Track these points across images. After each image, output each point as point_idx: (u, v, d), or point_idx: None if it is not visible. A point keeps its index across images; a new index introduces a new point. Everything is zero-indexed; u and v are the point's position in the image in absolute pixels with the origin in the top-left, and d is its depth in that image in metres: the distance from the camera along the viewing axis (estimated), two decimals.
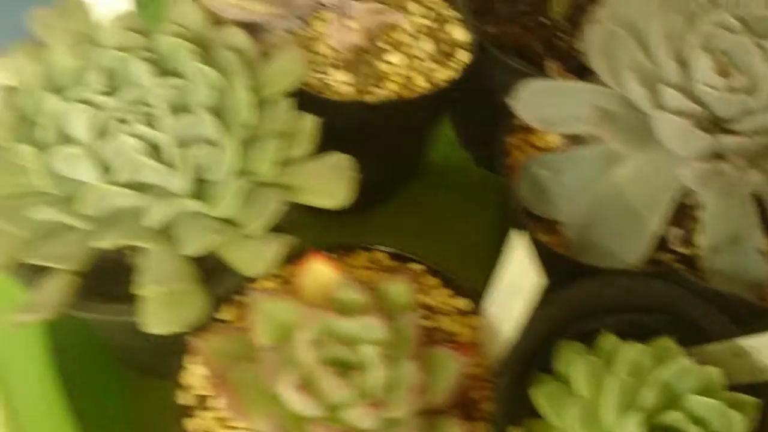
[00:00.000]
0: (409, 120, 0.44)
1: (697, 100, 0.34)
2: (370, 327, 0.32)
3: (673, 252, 0.38)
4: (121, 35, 0.36)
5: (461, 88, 0.43)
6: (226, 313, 0.36)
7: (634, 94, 0.35)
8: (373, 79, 0.43)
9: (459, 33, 0.45)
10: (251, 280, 0.35)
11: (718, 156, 0.34)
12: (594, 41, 0.36)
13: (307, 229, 0.36)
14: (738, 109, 0.34)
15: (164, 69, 0.36)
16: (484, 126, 0.50)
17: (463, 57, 0.44)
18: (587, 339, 0.35)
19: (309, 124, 0.37)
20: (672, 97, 0.34)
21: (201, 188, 0.34)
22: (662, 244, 0.39)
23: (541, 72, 0.46)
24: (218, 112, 0.35)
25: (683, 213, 0.38)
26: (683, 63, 0.35)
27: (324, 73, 0.42)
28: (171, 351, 0.34)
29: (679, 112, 0.34)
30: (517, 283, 0.32)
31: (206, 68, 0.35)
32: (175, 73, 0.36)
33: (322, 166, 0.36)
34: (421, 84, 0.43)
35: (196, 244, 0.33)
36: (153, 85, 0.35)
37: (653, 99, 0.35)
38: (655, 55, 0.35)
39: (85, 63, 0.35)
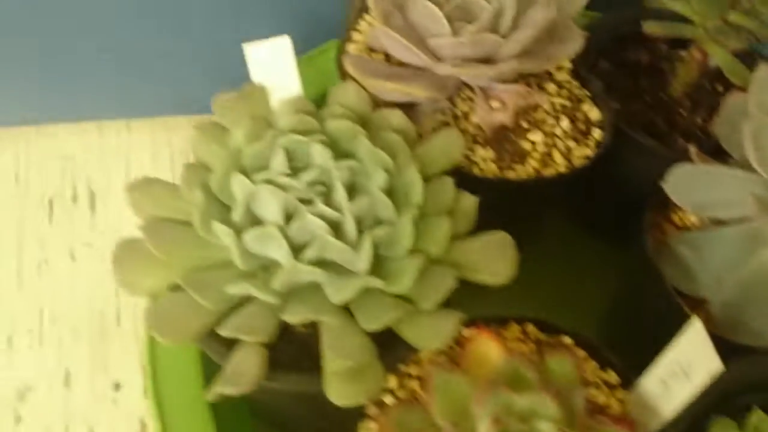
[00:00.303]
0: (548, 194, 0.46)
1: None
2: (544, 403, 0.34)
3: None
4: (296, 119, 0.39)
5: (596, 165, 0.45)
6: (391, 382, 0.38)
7: None
8: (515, 156, 0.45)
9: (593, 112, 0.47)
10: (416, 351, 0.38)
11: None
12: (747, 133, 0.38)
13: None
14: None
15: (338, 150, 0.38)
16: (606, 200, 0.52)
17: (597, 135, 0.46)
18: (738, 416, 0.37)
19: (469, 202, 0.39)
20: None
21: (379, 266, 0.37)
22: None
23: (668, 149, 0.48)
24: (391, 192, 0.38)
25: None
26: None
27: (469, 149, 0.44)
28: (344, 419, 0.36)
29: None
30: (687, 364, 0.33)
31: (378, 150, 0.38)
32: (348, 155, 0.38)
33: (487, 243, 0.38)
34: (560, 161, 0.45)
35: (378, 321, 0.35)
36: (331, 167, 0.37)
37: None
38: None
39: (267, 145, 0.38)
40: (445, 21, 0.43)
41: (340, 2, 0.54)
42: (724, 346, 0.38)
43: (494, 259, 0.38)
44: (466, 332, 0.38)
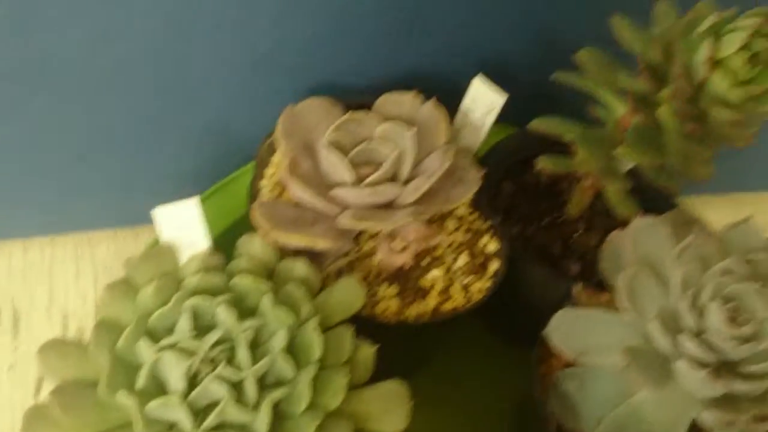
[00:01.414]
0: (448, 328, 0.48)
1: (711, 348, 0.39)
2: None
3: None
4: (203, 278, 0.41)
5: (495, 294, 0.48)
6: None
7: (657, 341, 0.40)
8: (417, 292, 0.47)
9: (491, 244, 0.50)
10: None
11: (732, 398, 0.39)
12: (621, 282, 0.41)
13: None
14: (746, 355, 0.39)
15: (243, 307, 0.41)
16: (513, 317, 0.55)
17: (496, 265, 0.49)
18: None
19: (367, 352, 0.42)
20: (689, 345, 0.39)
21: (278, 423, 0.39)
22: None
23: (560, 272, 0.51)
24: (291, 348, 0.40)
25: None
26: (699, 311, 0.40)
27: (374, 287, 0.47)
28: None
29: (694, 360, 0.39)
30: None
31: (280, 309, 0.40)
32: (251, 313, 0.40)
33: (382, 392, 0.41)
34: (459, 296, 0.48)
35: None
36: (234, 328, 0.39)
37: (673, 344, 0.40)
38: (675, 303, 0.41)
39: (174, 308, 0.40)
40: (348, 170, 0.45)
41: (256, 124, 0.56)
42: None
43: (389, 409, 0.40)
44: None
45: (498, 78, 0.59)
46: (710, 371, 0.39)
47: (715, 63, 0.41)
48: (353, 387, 0.41)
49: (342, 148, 0.47)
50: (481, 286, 0.48)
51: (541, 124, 0.49)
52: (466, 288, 0.48)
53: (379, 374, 0.42)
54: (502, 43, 0.57)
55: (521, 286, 0.51)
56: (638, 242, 0.44)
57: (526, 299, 0.52)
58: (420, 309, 0.47)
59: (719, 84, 0.41)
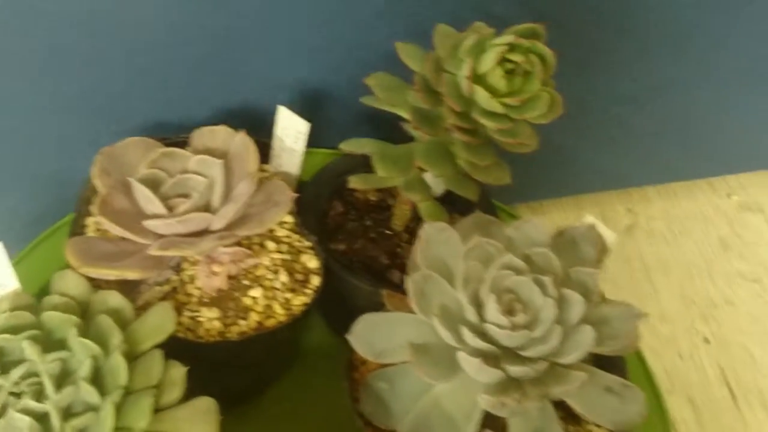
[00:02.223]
0: (272, 342, 0.51)
1: (488, 339, 0.43)
2: None
3: None
4: (9, 317, 0.43)
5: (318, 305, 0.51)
6: None
7: (442, 334, 0.43)
8: (239, 312, 0.50)
9: (312, 261, 0.53)
10: None
11: (512, 380, 0.43)
12: (411, 284, 0.45)
13: None
14: (521, 342, 0.43)
15: (50, 342, 0.42)
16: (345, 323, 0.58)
17: (316, 281, 0.52)
18: None
19: (178, 372, 0.44)
20: (468, 336, 0.42)
21: None
22: None
23: (384, 281, 0.54)
24: (98, 377, 0.42)
25: (495, 416, 0.46)
26: (478, 305, 0.44)
27: (196, 311, 0.49)
28: None
29: (474, 350, 0.42)
30: None
31: (87, 342, 0.42)
32: (59, 346, 0.42)
33: (190, 411, 0.43)
34: (280, 311, 0.50)
35: None
36: (40, 361, 0.41)
37: (456, 337, 0.43)
38: (458, 299, 0.44)
39: None
40: (159, 203, 0.48)
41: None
42: None
43: (198, 425, 0.43)
44: None
45: (325, 105, 0.63)
46: (484, 359, 0.42)
47: (478, 78, 0.45)
48: (165, 407, 0.44)
49: (156, 183, 0.50)
50: (302, 301, 0.51)
51: (349, 145, 0.53)
52: (287, 303, 0.51)
53: (212, 393, 0.44)
54: (322, 72, 0.61)
55: (352, 297, 0.54)
56: (429, 246, 0.47)
57: (357, 308, 0.55)
58: (243, 327, 0.49)
59: (481, 97, 0.45)
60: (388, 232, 0.57)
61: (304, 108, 0.56)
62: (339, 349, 0.61)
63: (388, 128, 0.56)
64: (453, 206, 0.57)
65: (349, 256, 0.55)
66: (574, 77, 0.66)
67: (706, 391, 0.67)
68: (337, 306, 0.55)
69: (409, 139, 0.53)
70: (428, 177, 0.53)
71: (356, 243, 0.56)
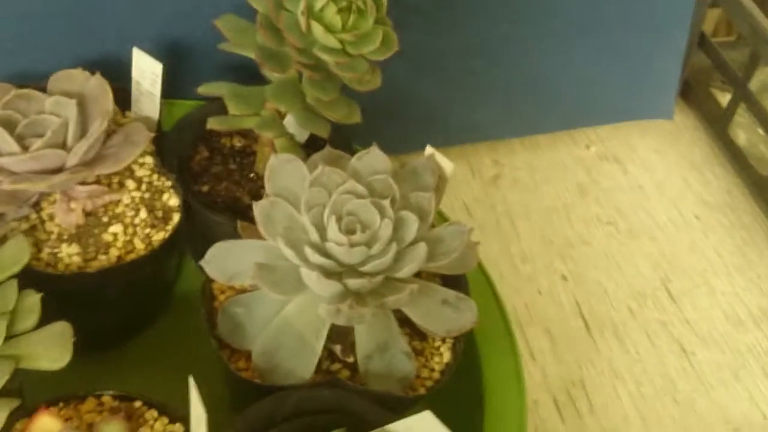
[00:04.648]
0: (134, 277, 0.53)
1: (329, 256, 0.46)
2: None
3: (342, 362, 0.50)
4: None
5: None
6: None
7: (285, 253, 0.46)
8: (99, 248, 0.52)
9: (173, 199, 0.55)
10: None
11: (353, 293, 0.46)
12: (257, 209, 0.48)
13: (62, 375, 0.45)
14: (360, 258, 0.46)
15: None
16: None
17: (176, 218, 0.54)
18: None
19: (33, 300, 0.46)
20: (310, 254, 0.46)
21: None
22: (333, 357, 0.50)
23: (246, 220, 0.57)
24: None
25: (344, 331, 0.49)
26: (320, 227, 0.47)
27: (55, 248, 0.51)
28: None
29: (317, 266, 0.46)
30: (198, 415, 0.42)
31: None
32: None
33: (45, 334, 0.45)
34: (141, 246, 0.52)
35: None
36: None
37: (300, 256, 0.46)
38: (302, 222, 0.47)
39: None
40: (12, 141, 0.49)
41: None
42: (260, 389, 0.48)
43: (53, 347, 0.44)
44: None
45: (187, 56, 0.65)
46: (324, 273, 0.45)
47: (313, 14, 0.48)
48: (20, 333, 0.45)
49: (11, 124, 0.51)
50: (161, 237, 0.53)
51: (205, 88, 0.55)
52: (147, 239, 0.53)
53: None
54: (181, 22, 0.63)
55: (216, 235, 0.57)
56: (276, 176, 0.50)
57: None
58: (103, 263, 0.51)
59: (318, 32, 0.48)
60: (252, 175, 0.60)
61: (166, 60, 0.58)
62: None
63: (252, 78, 0.58)
64: (317, 151, 0.60)
65: (212, 196, 0.58)
66: (427, 29, 0.71)
67: (562, 323, 0.73)
68: (205, 248, 0.57)
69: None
70: (289, 122, 0.56)
71: (220, 185, 0.59)
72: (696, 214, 0.82)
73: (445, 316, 0.49)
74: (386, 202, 0.48)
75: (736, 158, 0.85)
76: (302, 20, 0.48)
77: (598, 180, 0.84)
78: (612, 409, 0.67)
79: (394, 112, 0.74)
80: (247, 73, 0.60)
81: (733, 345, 0.71)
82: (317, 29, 0.47)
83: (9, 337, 0.44)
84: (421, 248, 0.47)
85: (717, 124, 0.88)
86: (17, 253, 0.47)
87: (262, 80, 0.57)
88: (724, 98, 0.88)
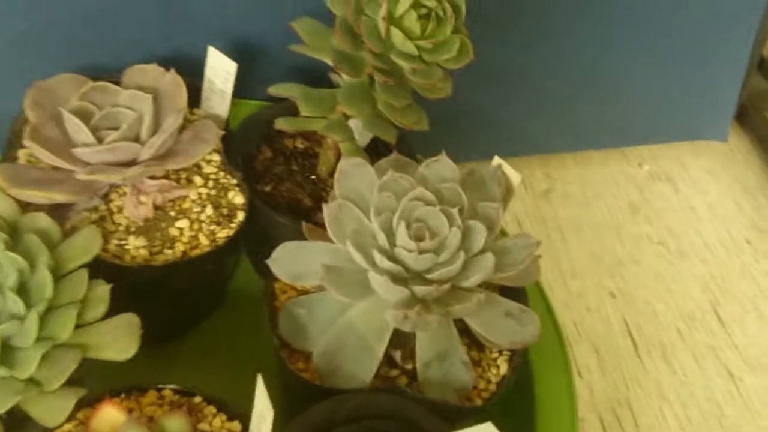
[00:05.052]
0: (197, 272, 0.53)
1: (397, 261, 0.46)
2: None
3: (401, 368, 0.50)
4: None
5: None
6: None
7: (353, 256, 0.46)
8: (165, 242, 0.52)
9: (238, 198, 0.55)
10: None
11: (419, 299, 0.46)
12: (327, 212, 0.48)
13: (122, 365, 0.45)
14: (428, 265, 0.46)
15: None
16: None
17: (241, 217, 0.55)
18: None
19: (102, 290, 0.46)
20: (379, 259, 0.46)
21: (10, 355, 0.43)
22: (391, 362, 0.50)
23: (307, 222, 0.57)
24: (23, 290, 0.44)
25: (405, 337, 0.49)
26: (390, 232, 0.47)
27: (123, 240, 0.51)
28: None
29: (385, 271, 0.46)
30: (261, 413, 0.42)
31: (14, 255, 0.44)
32: None
33: (113, 325, 0.45)
34: (205, 243, 0.53)
35: (1, 405, 0.41)
36: None
37: (368, 260, 0.46)
38: (371, 226, 0.47)
39: None
40: (88, 132, 0.50)
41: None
42: (319, 391, 0.48)
43: (120, 338, 0.45)
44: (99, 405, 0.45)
45: (258, 57, 0.66)
46: (392, 278, 0.45)
47: (394, 20, 0.48)
48: (89, 322, 0.46)
49: (87, 115, 0.51)
50: (226, 234, 0.54)
51: (276, 89, 0.55)
52: (212, 236, 0.53)
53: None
54: (255, 22, 0.63)
55: (277, 237, 0.57)
56: (345, 180, 0.50)
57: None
58: (168, 257, 0.52)
59: (397, 38, 0.48)
60: (313, 177, 0.60)
61: (236, 59, 0.58)
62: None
63: (319, 82, 0.59)
64: (378, 157, 0.60)
65: (275, 197, 0.58)
66: (491, 39, 0.71)
67: (610, 342, 0.72)
68: (262, 248, 0.57)
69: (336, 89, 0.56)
70: (353, 125, 0.56)
71: (282, 185, 0.59)
72: (747, 239, 0.81)
73: (508, 329, 0.49)
74: (455, 211, 0.48)
75: None
76: (382, 26, 0.48)
77: (649, 199, 0.83)
78: (657, 431, 0.66)
79: (450, 120, 0.74)
80: (312, 76, 0.60)
81: None
82: (397, 35, 0.48)
83: (78, 326, 0.45)
84: (489, 258, 0.47)
85: None
86: (88, 243, 0.48)
87: (326, 83, 0.57)
88: None
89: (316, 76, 0.59)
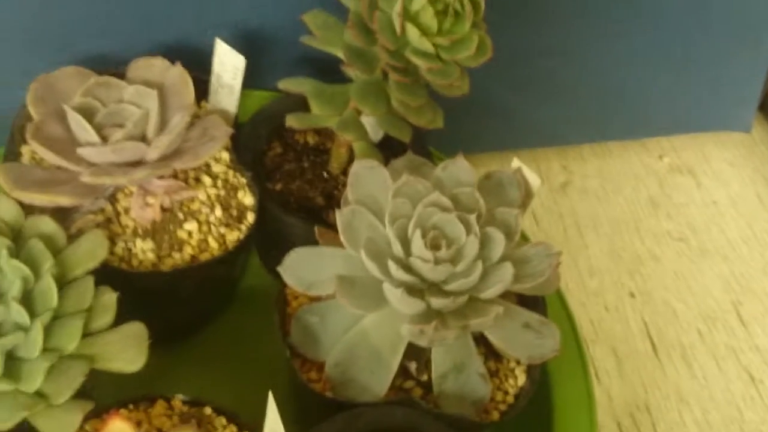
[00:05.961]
0: (206, 276, 0.52)
1: (413, 272, 0.44)
2: None
3: (416, 380, 0.49)
4: None
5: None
6: None
7: (367, 266, 0.44)
8: (173, 245, 0.51)
9: (247, 198, 0.54)
10: None
11: (435, 312, 0.44)
12: (339, 218, 0.46)
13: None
14: (444, 276, 0.44)
15: None
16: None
17: (251, 218, 0.53)
18: None
19: (109, 298, 0.45)
20: (394, 269, 0.44)
21: (15, 367, 0.41)
22: (406, 373, 0.49)
23: (319, 222, 0.55)
24: (27, 299, 0.42)
25: (420, 348, 0.48)
26: (405, 240, 0.45)
27: (130, 242, 0.50)
28: None
29: (400, 282, 0.44)
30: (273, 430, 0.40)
31: (17, 263, 0.42)
32: None
33: (121, 335, 0.44)
34: (215, 246, 0.51)
35: (8, 420, 0.39)
36: None
37: (382, 270, 0.44)
38: (385, 234, 0.45)
39: None
40: (92, 131, 0.48)
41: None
42: (332, 403, 0.46)
43: (128, 349, 0.43)
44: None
45: (266, 47, 0.63)
46: (408, 290, 0.44)
47: (409, 16, 0.46)
48: (95, 331, 0.44)
49: (91, 112, 0.50)
50: (236, 237, 0.52)
51: (287, 83, 0.53)
52: (222, 238, 0.52)
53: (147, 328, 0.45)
54: (263, 12, 0.61)
55: (287, 237, 0.55)
56: (359, 183, 0.48)
57: (292, 248, 0.56)
58: (177, 260, 0.50)
59: (413, 35, 0.46)
60: (325, 174, 0.58)
61: (244, 49, 0.56)
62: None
63: (329, 73, 0.56)
64: (391, 153, 0.58)
65: (285, 195, 0.56)
66: (507, 28, 0.68)
67: (629, 343, 0.70)
68: (273, 247, 0.55)
69: (348, 82, 0.54)
70: (366, 121, 0.54)
71: (293, 183, 0.57)
72: None
73: (527, 342, 0.47)
74: (472, 217, 0.46)
75: None
76: (397, 21, 0.46)
77: (670, 194, 0.81)
78: None
79: (463, 110, 0.72)
80: (324, 67, 0.58)
81: None
82: (412, 32, 0.45)
83: (85, 336, 0.43)
84: (508, 268, 0.45)
85: None
86: (94, 248, 0.46)
87: (339, 76, 0.55)
88: None
89: (326, 68, 0.57)
